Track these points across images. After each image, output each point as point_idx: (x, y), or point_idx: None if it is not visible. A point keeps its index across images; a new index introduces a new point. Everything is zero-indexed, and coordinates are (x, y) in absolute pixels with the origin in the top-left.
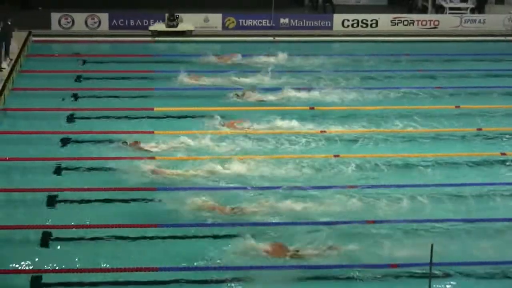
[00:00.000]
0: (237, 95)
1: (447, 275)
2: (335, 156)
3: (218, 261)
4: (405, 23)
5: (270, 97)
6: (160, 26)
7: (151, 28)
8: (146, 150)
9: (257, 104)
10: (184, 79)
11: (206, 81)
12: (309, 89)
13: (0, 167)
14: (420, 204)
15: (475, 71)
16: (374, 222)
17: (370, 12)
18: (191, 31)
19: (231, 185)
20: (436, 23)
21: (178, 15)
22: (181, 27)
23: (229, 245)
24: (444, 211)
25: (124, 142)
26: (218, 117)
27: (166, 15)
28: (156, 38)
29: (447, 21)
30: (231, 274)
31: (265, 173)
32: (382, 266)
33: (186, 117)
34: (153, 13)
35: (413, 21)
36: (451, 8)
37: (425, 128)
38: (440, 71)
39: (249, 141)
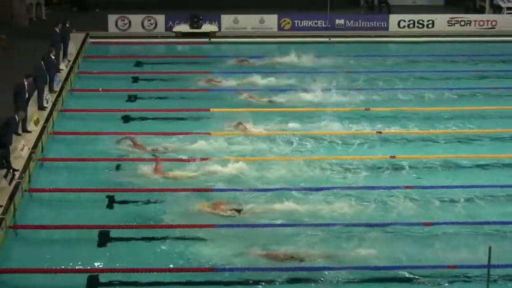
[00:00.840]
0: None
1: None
2: (391, 157)
3: None
4: (462, 23)
5: (320, 98)
6: (184, 28)
7: (175, 29)
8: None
9: (311, 105)
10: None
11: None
12: (361, 89)
13: (58, 167)
14: (476, 205)
15: None
16: (432, 224)
17: (427, 12)
18: (214, 32)
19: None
20: (494, 23)
21: (202, 17)
22: (204, 28)
23: None
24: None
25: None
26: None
27: (190, 16)
28: (211, 39)
29: (505, 21)
30: None
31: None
32: (440, 267)
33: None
34: (208, 14)
35: (470, 21)
36: (508, 8)
37: (482, 129)
38: (498, 72)
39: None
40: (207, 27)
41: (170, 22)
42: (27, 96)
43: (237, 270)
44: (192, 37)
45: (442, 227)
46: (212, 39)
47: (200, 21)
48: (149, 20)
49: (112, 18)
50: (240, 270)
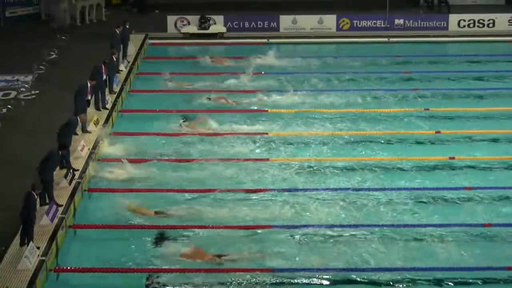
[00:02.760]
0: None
1: None
2: (450, 158)
3: None
4: None
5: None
6: (192, 29)
7: (183, 30)
8: None
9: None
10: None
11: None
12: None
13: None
14: None
15: None
16: (491, 225)
17: (487, 12)
18: (222, 33)
19: None
20: None
21: (210, 18)
22: (212, 29)
23: None
24: None
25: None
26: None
27: (198, 17)
28: (269, 40)
29: None
30: None
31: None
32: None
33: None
34: (267, 15)
35: None
36: None
37: None
38: None
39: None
40: (215, 28)
41: (229, 23)
42: (88, 97)
43: None
44: (200, 38)
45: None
46: (270, 40)
47: (208, 22)
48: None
49: (171, 19)
50: None
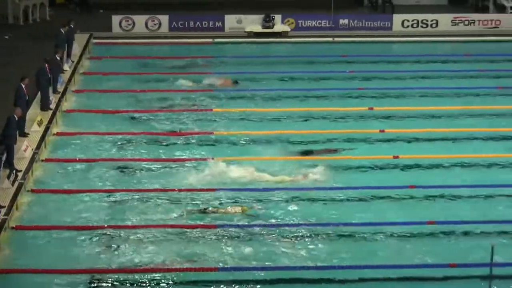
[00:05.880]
0: None
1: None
2: (394, 157)
3: None
4: (466, 23)
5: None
6: (256, 27)
7: (247, 29)
8: None
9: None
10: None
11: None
12: (366, 89)
13: (62, 168)
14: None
15: None
16: (435, 223)
17: (430, 12)
18: (287, 32)
19: None
20: (498, 22)
21: (274, 17)
22: (277, 28)
23: None
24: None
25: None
26: None
27: (262, 16)
28: (215, 40)
29: (509, 21)
30: None
31: None
32: (441, 266)
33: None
34: (212, 15)
35: (474, 20)
36: None
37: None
38: (503, 71)
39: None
40: (279, 27)
41: (174, 23)
42: (27, 97)
43: None
44: (264, 37)
45: (445, 226)
46: (216, 40)
47: (272, 21)
48: (153, 21)
49: (116, 19)
50: None
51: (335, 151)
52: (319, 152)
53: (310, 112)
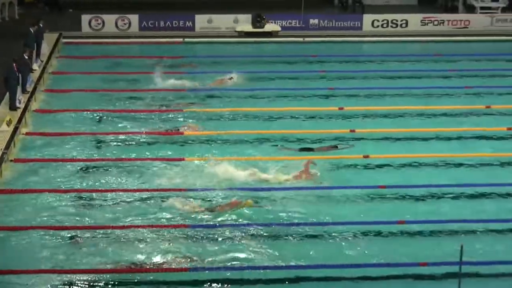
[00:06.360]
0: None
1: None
2: (364, 156)
3: None
4: (435, 23)
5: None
6: (246, 27)
7: (238, 29)
8: None
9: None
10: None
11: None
12: (336, 89)
13: (31, 168)
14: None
15: (507, 70)
16: (405, 222)
17: (400, 12)
18: (277, 31)
19: None
20: (467, 23)
21: (265, 16)
22: (267, 28)
23: None
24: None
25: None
26: None
27: (252, 16)
28: (185, 39)
29: (478, 21)
30: None
31: None
32: (411, 265)
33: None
34: (183, 15)
35: (444, 21)
36: (482, 8)
37: (452, 127)
38: (471, 71)
39: None
40: (270, 27)
41: (144, 22)
42: None
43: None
44: (255, 37)
45: (414, 225)
46: (186, 39)
47: (263, 21)
48: (123, 20)
49: (85, 18)
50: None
51: (335, 147)
52: (320, 150)
53: (281, 112)
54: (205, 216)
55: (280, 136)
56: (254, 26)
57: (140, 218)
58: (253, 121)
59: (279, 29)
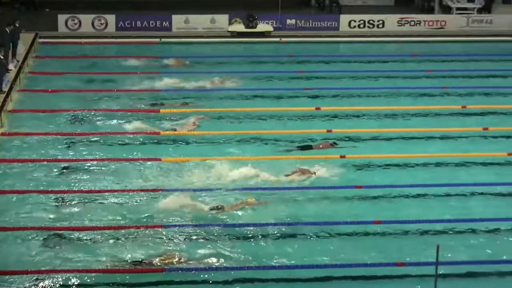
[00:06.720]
0: None
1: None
2: (341, 156)
3: None
4: (412, 23)
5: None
6: (239, 27)
7: (230, 29)
8: None
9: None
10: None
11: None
12: (313, 89)
13: (7, 168)
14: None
15: (482, 71)
16: (380, 222)
17: (377, 13)
18: (269, 32)
19: None
20: (443, 23)
21: (257, 16)
22: (260, 28)
23: None
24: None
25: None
26: None
27: (245, 16)
28: (162, 40)
29: (454, 21)
30: None
31: None
32: (388, 265)
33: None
34: (160, 15)
35: (420, 21)
36: (458, 8)
37: (433, 127)
38: (447, 71)
39: None
40: (262, 27)
41: (121, 22)
42: None
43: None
44: (247, 37)
45: (391, 225)
46: (163, 39)
47: (255, 21)
48: (100, 20)
49: (62, 18)
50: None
51: (335, 144)
52: (318, 147)
53: (258, 112)
54: (208, 216)
55: (251, 136)
56: (246, 26)
57: (105, 218)
58: (232, 121)
59: (272, 29)
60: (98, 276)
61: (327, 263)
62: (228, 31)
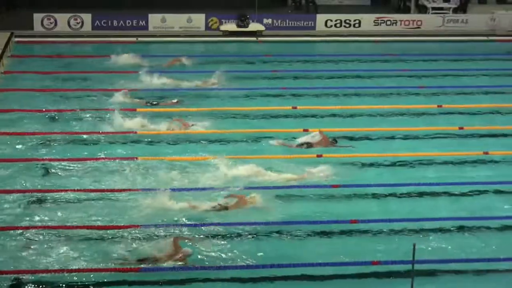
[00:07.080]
0: None
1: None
2: (318, 156)
3: None
4: (388, 23)
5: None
6: (231, 27)
7: (222, 28)
8: None
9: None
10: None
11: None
12: (289, 88)
13: None
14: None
15: (458, 70)
16: (357, 221)
17: (353, 12)
18: (261, 31)
19: None
20: (419, 23)
21: (249, 16)
22: (251, 27)
23: None
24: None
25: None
26: None
27: (237, 15)
28: (139, 39)
29: (430, 21)
30: None
31: None
32: (364, 264)
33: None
34: (136, 14)
35: (396, 21)
36: (434, 8)
37: (406, 127)
38: (423, 71)
39: None
40: (254, 26)
41: (97, 22)
42: None
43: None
44: (239, 36)
45: (368, 224)
46: (140, 39)
47: (247, 20)
48: (76, 19)
49: (37, 17)
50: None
51: (335, 141)
52: (318, 145)
53: (234, 111)
54: (208, 215)
55: (233, 135)
56: (238, 25)
57: (84, 217)
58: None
59: (263, 28)
60: (79, 275)
61: (304, 262)
62: (220, 30)
